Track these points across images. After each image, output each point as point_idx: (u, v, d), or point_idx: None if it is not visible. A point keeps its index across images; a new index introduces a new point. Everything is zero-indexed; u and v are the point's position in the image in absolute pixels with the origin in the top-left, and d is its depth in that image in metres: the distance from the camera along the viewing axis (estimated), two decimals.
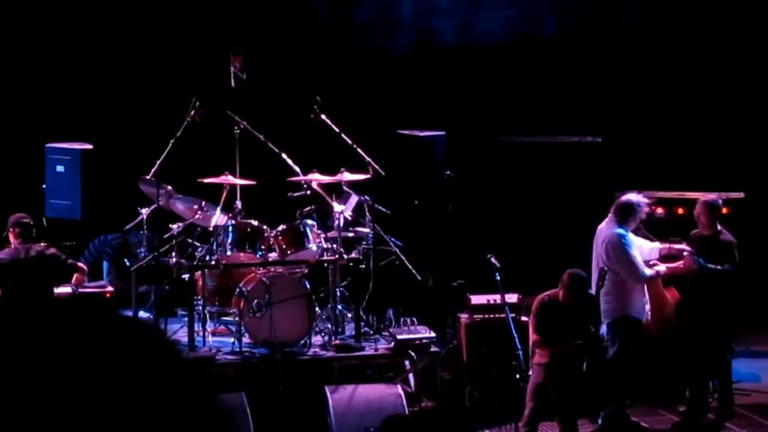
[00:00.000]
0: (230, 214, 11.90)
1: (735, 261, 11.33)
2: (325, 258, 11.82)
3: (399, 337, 11.55)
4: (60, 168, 12.15)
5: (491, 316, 11.69)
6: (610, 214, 11.24)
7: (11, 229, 11.19)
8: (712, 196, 11.75)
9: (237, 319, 11.43)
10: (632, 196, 11.28)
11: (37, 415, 1.99)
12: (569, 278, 10.18)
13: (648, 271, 11.10)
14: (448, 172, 12.58)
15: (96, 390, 2.00)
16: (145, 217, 11.80)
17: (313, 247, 11.84)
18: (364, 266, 11.91)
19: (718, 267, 11.23)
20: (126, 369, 2.04)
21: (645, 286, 11.17)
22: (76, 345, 2.05)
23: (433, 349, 11.63)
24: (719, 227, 11.48)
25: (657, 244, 11.46)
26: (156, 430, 2.01)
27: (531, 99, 14.68)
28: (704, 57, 15.04)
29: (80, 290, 11.43)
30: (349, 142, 12.09)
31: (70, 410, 1.99)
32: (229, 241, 11.82)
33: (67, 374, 2.01)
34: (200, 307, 11.70)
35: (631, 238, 11.14)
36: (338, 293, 11.82)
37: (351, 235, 12.11)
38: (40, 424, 1.98)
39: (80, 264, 11.53)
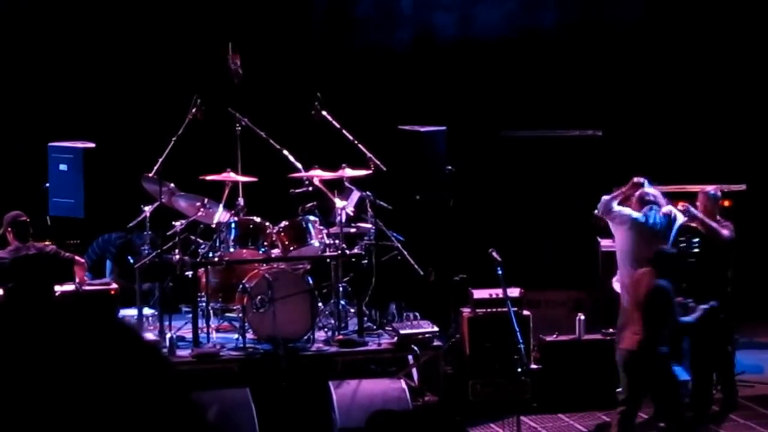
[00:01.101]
0: (232, 211, 11.93)
1: (731, 231, 11.41)
2: (327, 254, 11.85)
3: (402, 331, 11.58)
4: (63, 166, 12.17)
5: (493, 310, 11.71)
6: (646, 206, 11.10)
7: (9, 229, 11.20)
8: (711, 188, 11.78)
9: (240, 315, 11.45)
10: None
11: (22, 411, 2.02)
12: (661, 256, 10.03)
13: None
14: (449, 167, 12.60)
15: (77, 388, 2.04)
16: (148, 214, 11.81)
17: (315, 243, 11.87)
18: (366, 262, 11.94)
19: (712, 224, 11.32)
20: (105, 368, 2.07)
21: None
22: (58, 346, 2.08)
23: (436, 343, 11.66)
24: (719, 218, 11.54)
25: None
26: (133, 427, 2.04)
27: (531, 93, 14.67)
28: (704, 49, 15.04)
29: (84, 287, 11.46)
30: (350, 138, 12.11)
31: (51, 407, 2.02)
32: (232, 237, 11.84)
33: (47, 374, 2.04)
34: (204, 304, 11.73)
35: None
36: (341, 289, 11.84)
37: (353, 230, 12.13)
38: (24, 419, 2.02)
39: (78, 257, 11.55)
